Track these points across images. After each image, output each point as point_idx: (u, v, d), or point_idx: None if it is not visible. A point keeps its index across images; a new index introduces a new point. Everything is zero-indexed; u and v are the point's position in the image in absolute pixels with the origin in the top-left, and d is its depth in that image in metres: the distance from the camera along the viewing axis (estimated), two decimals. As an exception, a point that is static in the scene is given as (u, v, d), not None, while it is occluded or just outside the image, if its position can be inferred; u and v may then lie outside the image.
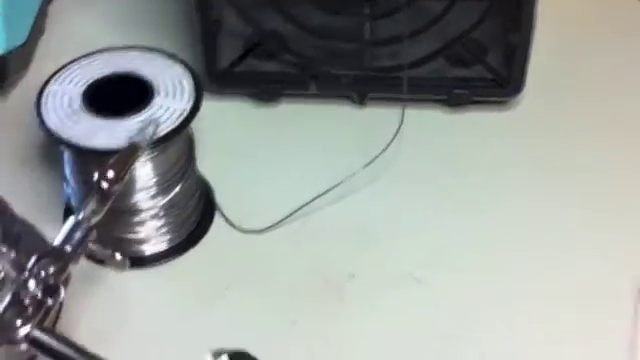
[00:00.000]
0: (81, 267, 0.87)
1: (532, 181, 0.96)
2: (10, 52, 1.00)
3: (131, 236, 0.89)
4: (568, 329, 0.83)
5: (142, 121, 0.81)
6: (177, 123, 0.83)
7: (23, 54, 1.04)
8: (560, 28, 1.11)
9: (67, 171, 0.88)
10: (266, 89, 1.02)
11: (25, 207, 0.85)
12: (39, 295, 0.71)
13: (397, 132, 0.93)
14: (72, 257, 0.74)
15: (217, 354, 0.68)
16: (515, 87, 0.99)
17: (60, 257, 0.74)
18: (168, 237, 0.90)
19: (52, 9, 1.12)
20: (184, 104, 0.85)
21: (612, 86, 1.06)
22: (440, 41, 0.99)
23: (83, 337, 0.75)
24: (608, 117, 1.02)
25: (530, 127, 1.01)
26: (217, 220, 0.93)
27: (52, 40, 1.09)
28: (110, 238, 0.84)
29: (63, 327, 0.79)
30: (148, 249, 0.90)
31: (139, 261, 0.90)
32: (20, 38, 1.02)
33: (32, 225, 0.83)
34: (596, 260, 0.87)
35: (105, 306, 0.87)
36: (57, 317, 0.83)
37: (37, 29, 1.07)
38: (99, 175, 0.76)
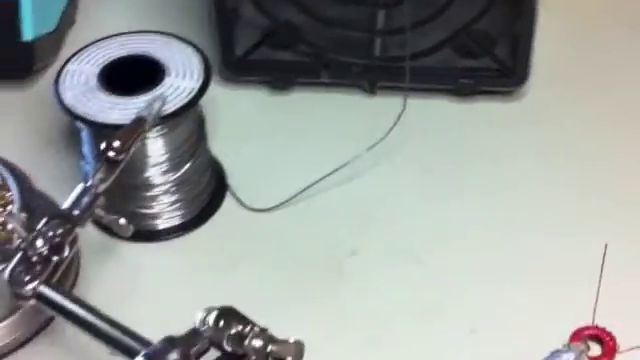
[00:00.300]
0: (96, 240, 0.93)
1: (535, 167, 0.99)
2: (38, 39, 1.05)
3: (144, 211, 0.93)
4: (567, 308, 0.84)
5: (150, 97, 0.86)
6: (185, 101, 0.88)
7: (52, 42, 1.09)
8: (570, 20, 1.13)
9: (84, 149, 0.93)
10: (280, 77, 1.06)
11: (47, 183, 0.92)
12: (45, 253, 0.76)
13: (398, 118, 0.96)
14: (79, 220, 0.79)
15: (208, 310, 0.72)
16: (520, 77, 1.02)
17: (68, 220, 0.79)
18: (180, 213, 0.94)
19: (83, 0, 1.17)
20: (193, 83, 0.89)
21: (619, 78, 1.08)
22: (448, 32, 1.02)
23: (95, 304, 0.78)
24: (614, 108, 1.04)
25: (536, 117, 1.04)
26: (228, 199, 0.98)
27: (82, 30, 1.14)
28: (125, 212, 0.88)
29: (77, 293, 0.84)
30: (161, 224, 0.94)
31: (152, 235, 0.94)
32: (49, 26, 1.08)
33: (49, 197, 0.89)
34: (597, 244, 0.89)
35: (118, 277, 0.91)
36: (73, 284, 0.88)
37: (67, 19, 1.13)
38: (106, 144, 0.81)
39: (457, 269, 0.89)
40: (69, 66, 0.91)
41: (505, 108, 1.04)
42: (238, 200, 0.97)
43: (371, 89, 1.05)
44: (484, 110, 1.04)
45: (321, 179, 0.95)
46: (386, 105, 1.01)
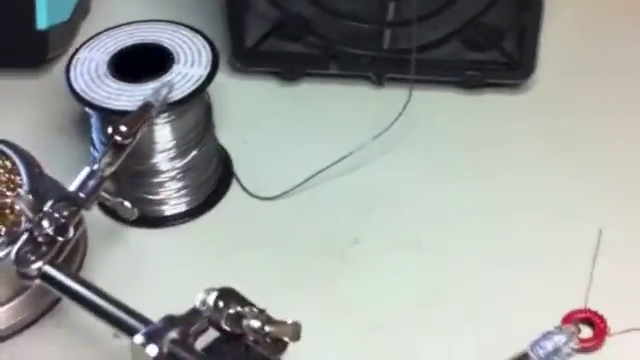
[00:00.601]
0: (103, 225, 0.95)
1: (537, 157, 1.00)
2: (52, 28, 1.07)
3: (151, 197, 0.95)
4: (564, 292, 0.85)
5: (157, 84, 0.88)
6: (193, 88, 0.89)
7: (66, 31, 1.11)
8: (577, 12, 1.15)
9: (94, 135, 0.95)
10: (289, 68, 1.07)
11: (59, 169, 0.93)
12: (51, 233, 0.77)
13: (404, 108, 0.98)
14: (85, 203, 0.81)
15: (208, 291, 0.73)
16: (527, 70, 1.03)
17: (74, 202, 0.80)
18: (187, 199, 0.96)
19: (97, -10, 1.20)
20: (201, 71, 0.91)
21: (626, 70, 1.09)
22: (456, 25, 1.03)
23: (101, 286, 0.80)
24: (619, 100, 1.05)
25: (543, 109, 1.05)
26: (234, 187, 0.99)
27: (96, 20, 1.16)
28: (132, 198, 0.90)
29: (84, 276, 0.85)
30: (167, 210, 0.96)
31: (158, 221, 0.96)
32: (63, 15, 1.10)
33: (59, 182, 0.90)
34: (595, 230, 0.90)
35: (124, 261, 0.93)
36: (79, 268, 0.90)
37: (82, 8, 1.15)
38: (113, 129, 0.82)
39: (458, 253, 0.91)
40: (80, 54, 0.93)
41: (512, 100, 1.05)
42: (244, 188, 0.98)
43: (379, 81, 1.07)
44: (491, 102, 1.05)
45: (325, 168, 0.96)
46: (393, 96, 1.02)
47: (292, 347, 0.73)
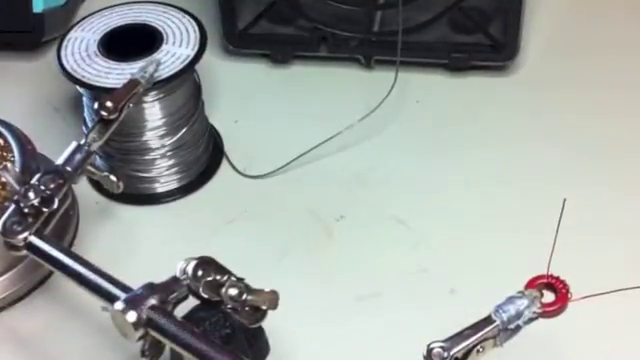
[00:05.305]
0: (95, 203, 0.97)
1: (520, 133, 1.02)
2: (48, 11, 1.09)
3: (143, 174, 0.97)
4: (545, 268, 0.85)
5: (145, 61, 0.90)
6: (180, 67, 0.91)
7: (63, 15, 1.13)
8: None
9: (86, 114, 0.97)
10: (280, 50, 1.09)
11: (52, 148, 0.94)
12: (37, 204, 0.79)
13: (390, 90, 1.00)
14: (71, 176, 0.83)
15: (188, 260, 0.75)
16: (510, 52, 1.04)
17: (60, 175, 0.82)
18: (177, 177, 0.98)
19: (96, -23, 1.21)
20: (189, 51, 0.93)
21: (611, 53, 1.10)
22: (443, 7, 1.05)
23: (93, 262, 0.81)
24: (602, 81, 1.07)
25: (527, 90, 1.06)
26: (224, 165, 1.01)
27: (93, 5, 1.17)
28: (124, 176, 0.92)
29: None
30: (159, 187, 0.98)
31: (149, 198, 0.98)
32: (60, -1, 1.12)
33: (51, 161, 0.92)
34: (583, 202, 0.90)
35: (116, 238, 0.95)
36: (70, 245, 0.92)
37: (80, -7, 1.17)
38: (99, 105, 0.85)
39: (439, 230, 0.92)
40: (72, 33, 0.95)
41: (497, 82, 1.07)
42: (233, 167, 1.00)
43: (367, 63, 1.08)
44: (476, 83, 1.07)
45: (313, 148, 0.98)
46: (382, 78, 1.03)
47: (278, 316, 0.74)
